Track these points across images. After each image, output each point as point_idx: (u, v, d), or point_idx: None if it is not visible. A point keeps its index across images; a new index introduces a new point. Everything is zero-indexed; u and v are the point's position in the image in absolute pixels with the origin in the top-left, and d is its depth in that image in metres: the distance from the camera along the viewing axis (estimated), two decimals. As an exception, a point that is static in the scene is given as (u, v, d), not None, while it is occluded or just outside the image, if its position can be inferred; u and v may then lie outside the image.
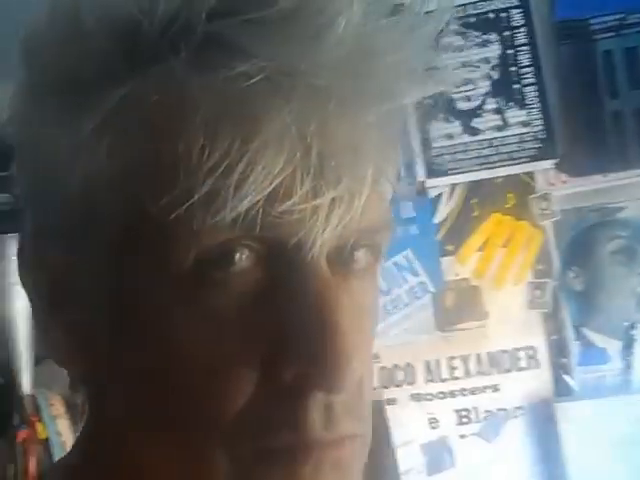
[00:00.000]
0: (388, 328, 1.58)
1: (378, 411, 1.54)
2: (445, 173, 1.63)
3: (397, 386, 1.56)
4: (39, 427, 1.59)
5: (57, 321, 0.46)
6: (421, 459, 1.55)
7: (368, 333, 0.47)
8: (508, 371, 1.60)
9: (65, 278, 0.45)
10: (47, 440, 1.59)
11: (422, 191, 1.62)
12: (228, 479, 0.43)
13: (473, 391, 1.60)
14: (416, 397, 1.57)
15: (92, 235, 0.44)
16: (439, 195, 1.64)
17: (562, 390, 1.60)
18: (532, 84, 1.63)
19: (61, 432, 1.61)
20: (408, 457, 1.54)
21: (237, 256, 0.42)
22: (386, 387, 1.56)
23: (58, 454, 1.58)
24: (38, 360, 1.61)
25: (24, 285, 0.47)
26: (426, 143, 1.61)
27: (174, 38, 0.42)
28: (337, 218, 0.42)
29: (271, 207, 0.41)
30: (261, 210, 0.40)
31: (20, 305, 1.58)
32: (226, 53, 0.41)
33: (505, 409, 1.59)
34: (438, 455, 1.58)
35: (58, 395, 1.62)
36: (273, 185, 0.40)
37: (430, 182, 1.62)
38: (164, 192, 0.40)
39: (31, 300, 0.47)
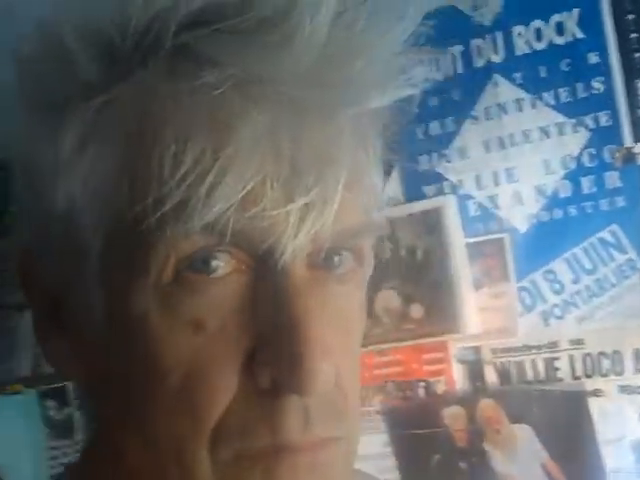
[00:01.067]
0: (593, 311, 1.43)
1: (580, 403, 1.41)
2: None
3: (603, 376, 1.41)
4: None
5: (54, 332, 0.49)
6: (631, 458, 1.38)
7: (349, 336, 0.49)
8: None
9: (59, 291, 0.48)
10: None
11: (630, 159, 1.43)
12: None
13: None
14: (625, 389, 1.40)
15: (78, 249, 0.46)
16: (649, 162, 1.44)
17: None
18: None
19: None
20: (616, 456, 1.39)
21: (214, 263, 0.43)
22: (590, 377, 1.41)
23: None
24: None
25: (26, 297, 0.50)
26: (634, 102, 1.42)
27: (145, 51, 0.44)
28: (309, 224, 0.42)
29: (242, 214, 0.42)
30: (232, 217, 0.41)
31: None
32: (195, 63, 0.43)
33: None
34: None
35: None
36: (244, 192, 0.41)
37: (639, 148, 1.43)
38: (138, 201, 0.42)
39: (32, 312, 0.50)
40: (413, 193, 1.57)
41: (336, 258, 0.47)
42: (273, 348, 0.43)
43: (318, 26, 0.43)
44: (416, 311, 1.54)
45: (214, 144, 0.41)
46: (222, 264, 0.43)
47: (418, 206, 1.55)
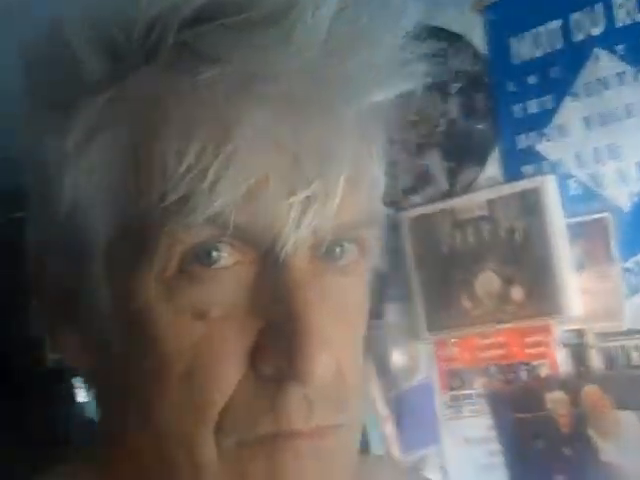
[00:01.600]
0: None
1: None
2: None
3: None
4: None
5: (64, 325, 0.50)
6: None
7: (351, 327, 0.49)
8: None
9: (68, 287, 0.49)
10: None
11: None
12: (215, 468, 0.45)
13: None
14: None
15: (84, 244, 0.47)
16: None
17: None
18: None
19: (368, 389, 1.69)
20: None
21: (217, 255, 0.44)
22: None
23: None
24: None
25: (36, 297, 0.52)
26: None
27: (149, 48, 0.45)
28: (310, 217, 0.43)
29: (244, 207, 0.43)
30: (234, 211, 0.42)
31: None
32: (197, 59, 0.44)
33: None
34: None
35: (367, 355, 1.70)
36: (245, 186, 0.42)
37: None
38: (142, 195, 0.43)
39: (41, 306, 0.52)
40: (512, 173, 1.54)
41: (338, 250, 0.47)
42: (275, 338, 0.44)
43: (319, 22, 0.43)
44: (516, 293, 1.51)
45: (216, 139, 0.42)
46: (225, 256, 0.44)
47: (517, 186, 1.51)
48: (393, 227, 1.67)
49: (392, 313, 1.71)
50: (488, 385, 1.59)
